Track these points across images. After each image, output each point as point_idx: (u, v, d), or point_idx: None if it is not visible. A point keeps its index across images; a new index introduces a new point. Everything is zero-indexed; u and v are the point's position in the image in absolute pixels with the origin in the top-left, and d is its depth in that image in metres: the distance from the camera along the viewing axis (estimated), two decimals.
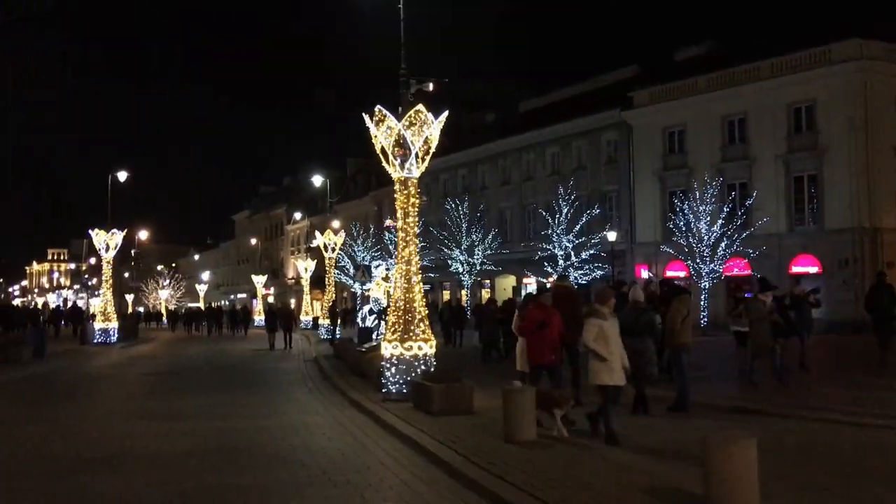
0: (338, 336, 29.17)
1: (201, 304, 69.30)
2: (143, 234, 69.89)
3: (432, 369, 11.20)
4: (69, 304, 59.00)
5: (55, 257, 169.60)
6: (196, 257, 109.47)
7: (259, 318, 57.04)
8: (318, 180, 44.21)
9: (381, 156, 11.59)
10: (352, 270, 54.09)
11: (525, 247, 44.80)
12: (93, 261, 33.56)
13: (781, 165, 34.24)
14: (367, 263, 33.99)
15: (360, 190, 67.30)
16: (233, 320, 47.13)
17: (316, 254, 54.44)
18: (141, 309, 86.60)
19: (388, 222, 54.86)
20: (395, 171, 11.56)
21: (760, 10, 39.86)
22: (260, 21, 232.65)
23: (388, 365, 11.62)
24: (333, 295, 33.47)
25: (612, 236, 35.09)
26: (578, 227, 38.73)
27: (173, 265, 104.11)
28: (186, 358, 25.16)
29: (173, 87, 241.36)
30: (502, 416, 8.49)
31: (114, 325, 31.42)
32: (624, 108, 40.32)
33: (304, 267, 45.90)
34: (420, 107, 11.30)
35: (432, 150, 11.58)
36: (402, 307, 11.55)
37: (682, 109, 37.92)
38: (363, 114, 11.37)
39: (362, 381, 14.55)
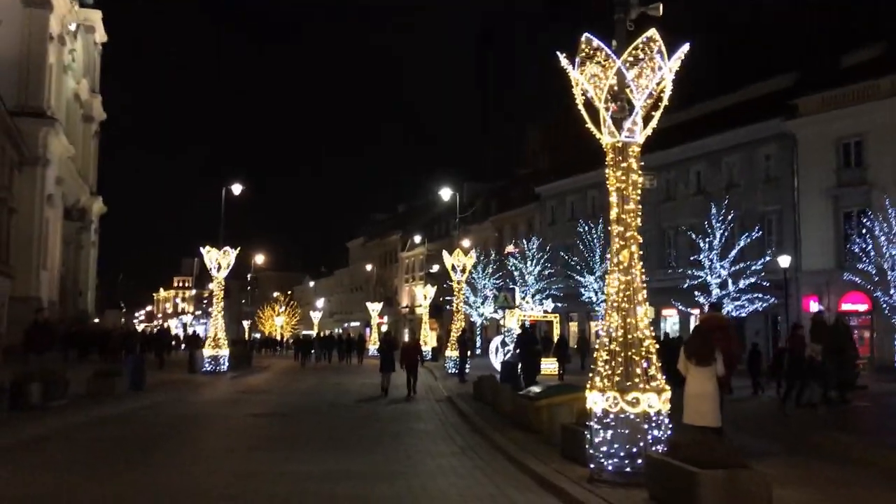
0: (468, 370, 25.64)
1: (315, 332, 67.75)
2: (260, 259, 69.14)
3: (665, 435, 7.28)
4: (162, 328, 57.79)
5: (181, 284, 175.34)
6: (311, 284, 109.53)
7: (374, 346, 54.64)
8: (446, 194, 41.02)
9: (583, 112, 7.82)
10: (471, 298, 50.97)
11: (668, 274, 40.18)
12: (211, 286, 31.75)
13: None
14: (511, 286, 30.29)
15: (479, 215, 64.29)
16: (349, 349, 44.98)
17: (434, 281, 51.58)
18: (257, 335, 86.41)
19: (509, 248, 51.37)
20: (607, 135, 7.81)
21: None
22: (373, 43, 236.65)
23: (598, 426, 7.67)
24: (463, 323, 29.96)
25: (784, 261, 30.10)
26: (734, 252, 33.93)
27: (289, 292, 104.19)
28: (300, 393, 22.15)
29: (287, 113, 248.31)
30: None
31: (224, 352, 29.03)
32: (787, 117, 35.35)
33: (422, 294, 42.85)
34: (652, 33, 7.42)
35: (664, 102, 7.77)
36: (621, 339, 7.66)
37: (859, 117, 32.63)
38: (558, 52, 7.73)
39: (533, 440, 10.73)
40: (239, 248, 29.20)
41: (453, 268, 29.54)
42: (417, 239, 68.10)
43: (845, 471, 8.81)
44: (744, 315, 33.86)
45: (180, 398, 19.34)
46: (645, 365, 7.51)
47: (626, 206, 7.68)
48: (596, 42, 7.42)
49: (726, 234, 34.57)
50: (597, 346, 7.90)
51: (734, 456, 6.04)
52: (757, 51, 48.40)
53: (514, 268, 46.10)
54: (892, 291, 27.94)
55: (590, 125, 7.82)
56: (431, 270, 58.50)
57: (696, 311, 37.32)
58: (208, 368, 28.30)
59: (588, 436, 7.80)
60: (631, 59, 7.36)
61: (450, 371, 28.12)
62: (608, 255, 35.88)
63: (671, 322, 42.30)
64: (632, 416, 7.37)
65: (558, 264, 45.95)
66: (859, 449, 9.69)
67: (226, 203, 33.66)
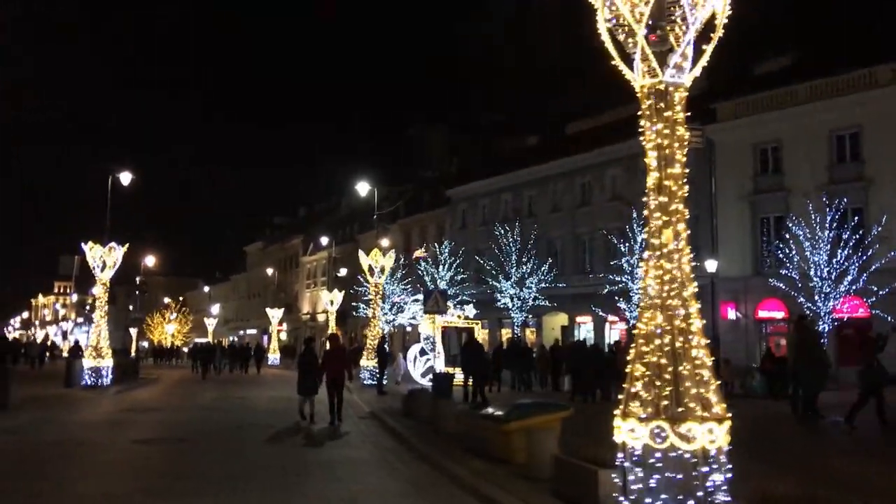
0: (385, 381, 23.44)
1: (210, 340, 63.68)
2: (150, 261, 64.38)
3: (725, 480, 5.33)
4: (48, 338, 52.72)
5: (61, 290, 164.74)
6: (206, 289, 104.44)
7: (273, 355, 51.53)
8: (363, 189, 37.86)
9: (610, 48, 5.85)
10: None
11: (584, 280, 39.34)
12: (94, 290, 27.52)
13: None
14: (442, 288, 28.13)
15: (386, 218, 62.14)
16: (248, 358, 41.95)
17: (341, 286, 49.08)
18: (145, 344, 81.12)
19: (419, 252, 49.43)
20: (645, 75, 5.83)
21: (844, 15, 35.21)
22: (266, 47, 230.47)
23: (633, 467, 5.58)
24: (381, 330, 27.63)
25: (711, 266, 29.44)
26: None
27: (181, 298, 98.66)
28: (197, 410, 19.38)
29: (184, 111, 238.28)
30: None
31: (108, 363, 25.70)
32: (704, 122, 34.99)
33: (328, 299, 40.23)
34: None
35: (719, 34, 5.89)
36: (666, 348, 5.64)
37: (777, 123, 32.63)
38: None
39: (506, 474, 8.47)
40: (126, 246, 25.97)
41: (370, 269, 27.21)
42: (324, 241, 65.09)
43: None
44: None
45: (51, 419, 16.28)
46: (689, 384, 5.60)
47: (671, 170, 5.77)
48: None
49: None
50: (630, 355, 5.90)
51: None
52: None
53: (424, 272, 44.17)
54: (816, 297, 27.65)
55: (618, 62, 5.86)
56: (339, 274, 55.88)
57: (616, 318, 36.53)
58: (88, 382, 24.97)
59: (616, 480, 5.79)
60: None
61: (365, 382, 25.82)
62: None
63: (585, 329, 41.46)
64: (686, 455, 5.37)
65: (471, 269, 44.40)
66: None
67: (112, 197, 30.09)
